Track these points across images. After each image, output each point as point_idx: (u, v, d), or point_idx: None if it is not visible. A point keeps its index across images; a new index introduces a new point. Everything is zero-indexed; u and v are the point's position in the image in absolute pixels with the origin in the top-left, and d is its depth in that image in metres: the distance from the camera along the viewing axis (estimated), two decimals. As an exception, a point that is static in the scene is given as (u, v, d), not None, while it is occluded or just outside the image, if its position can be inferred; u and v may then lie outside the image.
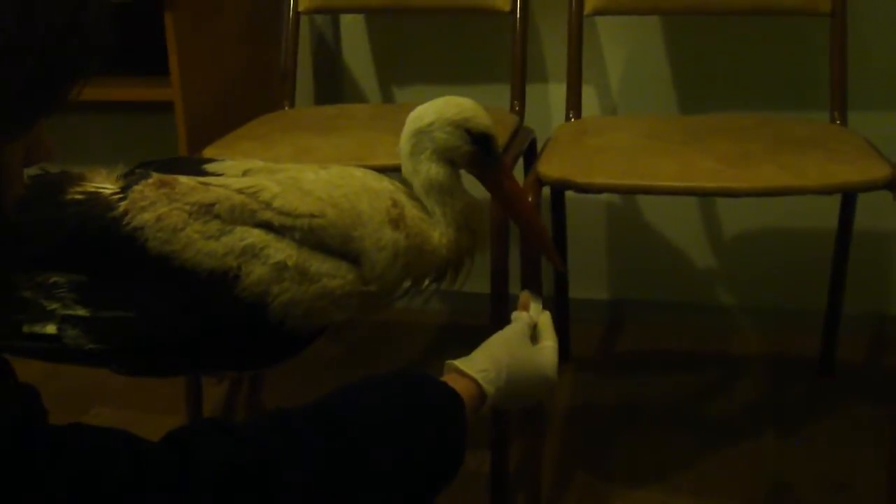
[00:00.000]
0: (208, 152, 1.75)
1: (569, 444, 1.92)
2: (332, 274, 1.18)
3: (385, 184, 1.28)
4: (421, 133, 1.27)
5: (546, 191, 1.66)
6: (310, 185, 1.23)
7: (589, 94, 2.20)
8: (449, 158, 1.28)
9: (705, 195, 2.18)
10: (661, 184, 1.57)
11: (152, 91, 2.01)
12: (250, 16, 2.22)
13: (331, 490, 0.87)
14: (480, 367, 1.09)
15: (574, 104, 1.98)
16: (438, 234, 1.28)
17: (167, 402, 2.03)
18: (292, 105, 2.12)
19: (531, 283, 1.53)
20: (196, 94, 1.96)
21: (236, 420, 2.00)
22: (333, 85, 2.40)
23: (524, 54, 2.01)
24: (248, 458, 0.84)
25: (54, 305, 1.14)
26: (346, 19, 2.36)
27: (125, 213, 1.13)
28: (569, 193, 1.95)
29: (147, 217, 1.13)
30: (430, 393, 1.02)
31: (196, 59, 1.96)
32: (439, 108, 1.27)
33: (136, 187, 1.15)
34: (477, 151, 1.28)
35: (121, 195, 1.14)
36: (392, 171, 1.35)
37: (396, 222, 1.24)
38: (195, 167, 1.27)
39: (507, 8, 2.03)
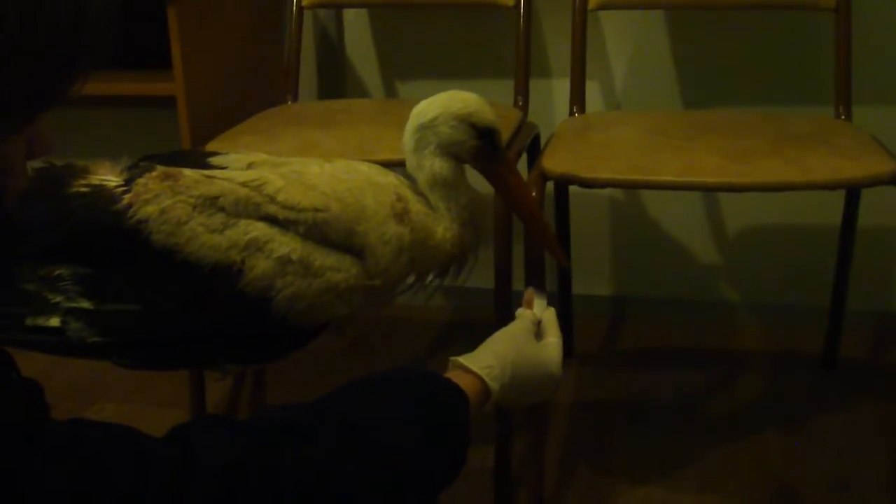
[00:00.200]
0: (211, 147, 1.75)
1: (572, 440, 1.92)
2: (336, 268, 1.18)
3: (389, 178, 1.28)
4: (425, 128, 1.27)
5: (550, 186, 1.66)
6: (314, 179, 1.23)
7: (593, 90, 2.20)
8: (453, 153, 1.28)
9: (709, 190, 2.19)
10: (665, 179, 1.56)
11: (155, 86, 2.01)
12: (253, 10, 2.22)
13: (334, 487, 0.87)
14: (485, 363, 1.09)
15: (578, 99, 1.97)
16: (442, 228, 1.28)
17: (170, 397, 2.03)
18: (295, 99, 2.12)
19: (535, 278, 1.53)
20: (199, 88, 1.96)
21: (239, 415, 2.01)
22: (337, 80, 2.40)
23: (528, 49, 2.01)
24: (252, 456, 0.84)
25: (58, 298, 1.15)
26: (350, 14, 2.36)
27: (129, 205, 1.13)
28: (572, 188, 1.94)
29: (151, 210, 1.13)
30: (434, 389, 1.01)
31: (199, 54, 1.96)
32: (444, 103, 1.27)
33: (141, 180, 1.15)
34: (481, 146, 1.28)
35: (125, 188, 1.14)
36: (396, 165, 1.35)
37: (401, 217, 1.24)
38: (199, 160, 1.27)
39: (511, 3, 2.02)
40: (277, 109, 2.02)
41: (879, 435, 1.84)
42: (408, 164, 1.31)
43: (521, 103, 1.99)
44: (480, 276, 1.40)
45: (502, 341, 1.15)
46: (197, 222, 1.13)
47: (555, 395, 1.26)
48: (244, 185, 1.18)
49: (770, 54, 2.16)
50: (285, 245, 1.16)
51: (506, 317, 1.24)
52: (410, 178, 1.31)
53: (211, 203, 1.15)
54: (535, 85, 2.05)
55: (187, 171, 1.18)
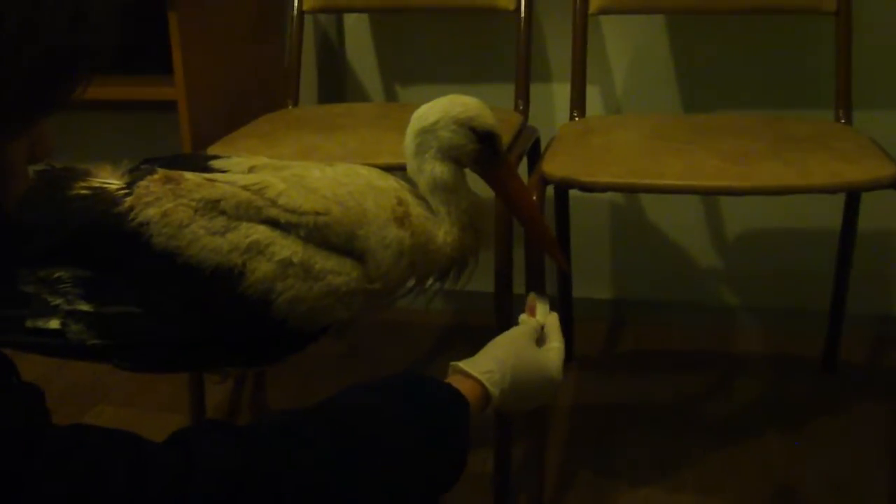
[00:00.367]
0: (212, 151, 1.75)
1: (572, 443, 1.92)
2: (336, 271, 1.18)
3: (390, 182, 1.29)
4: (426, 132, 1.28)
5: (550, 190, 1.66)
6: (315, 182, 1.23)
7: (593, 94, 2.20)
8: (454, 157, 1.28)
9: (709, 194, 2.19)
10: (666, 182, 1.56)
11: (156, 90, 2.01)
12: (254, 15, 2.22)
13: (334, 492, 0.87)
14: (485, 368, 1.09)
15: (578, 103, 1.98)
16: (443, 232, 1.28)
17: (169, 400, 2.03)
18: (296, 104, 2.12)
19: (536, 282, 1.53)
20: (200, 92, 1.96)
21: (239, 418, 2.01)
22: (337, 84, 2.41)
23: (529, 53, 2.01)
24: (252, 461, 0.84)
25: (58, 301, 1.15)
26: (350, 18, 2.36)
27: (130, 208, 1.13)
28: (573, 192, 1.95)
29: (152, 212, 1.13)
30: (434, 394, 1.02)
31: (200, 58, 1.96)
32: (444, 107, 1.28)
33: (142, 183, 1.15)
34: (482, 150, 1.29)
35: (126, 190, 1.14)
36: (396, 169, 1.35)
37: (401, 220, 1.24)
38: (201, 164, 1.27)
39: (512, 7, 2.03)
40: (278, 113, 2.03)
41: (879, 438, 1.84)
42: (408, 168, 1.31)
43: (521, 107, 1.99)
44: (481, 280, 1.40)
45: (502, 346, 1.15)
46: (198, 225, 1.13)
47: (555, 399, 1.26)
48: (245, 188, 1.18)
49: (770, 58, 2.16)
50: (286, 248, 1.16)
51: (506, 320, 1.25)
52: (411, 182, 1.31)
53: (212, 206, 1.15)
54: (535, 89, 2.06)
55: (189, 175, 1.18)
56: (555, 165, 1.63)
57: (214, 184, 1.18)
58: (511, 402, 1.12)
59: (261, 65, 2.24)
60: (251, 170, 1.26)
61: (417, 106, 1.30)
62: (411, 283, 1.30)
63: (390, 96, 2.39)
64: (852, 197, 1.93)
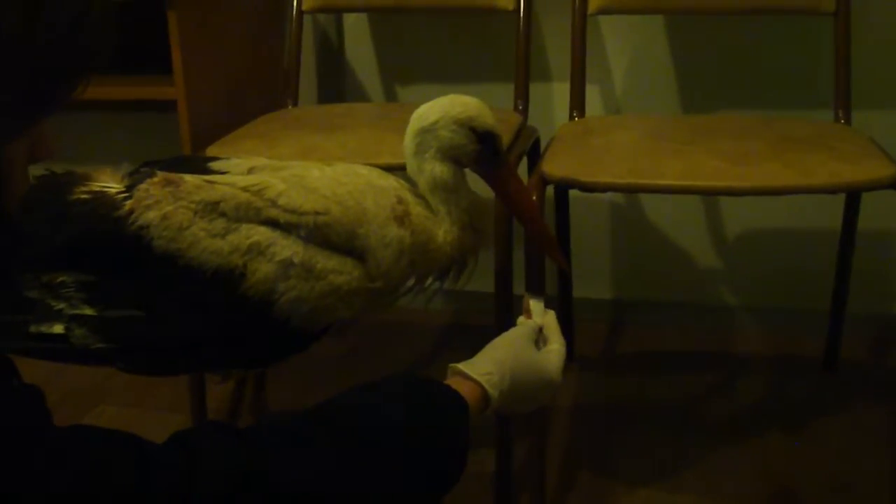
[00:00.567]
0: (212, 151, 1.75)
1: (572, 444, 1.92)
2: (338, 270, 1.18)
3: (390, 181, 1.29)
4: (425, 132, 1.28)
5: (550, 190, 1.66)
6: (315, 182, 1.23)
7: (593, 94, 2.20)
8: (454, 157, 1.28)
9: (709, 194, 2.19)
10: (666, 183, 1.56)
11: (156, 90, 2.01)
12: (254, 15, 2.22)
13: (335, 494, 0.87)
14: (484, 370, 1.09)
15: (578, 103, 1.98)
16: (443, 232, 1.29)
17: (171, 401, 2.03)
18: (295, 104, 2.12)
19: (534, 283, 1.53)
20: (199, 92, 1.96)
21: (240, 419, 2.01)
22: (337, 84, 2.40)
23: (528, 53, 2.01)
24: (253, 462, 0.84)
25: (61, 305, 1.15)
26: (350, 18, 2.36)
27: (131, 211, 1.13)
28: (572, 192, 1.95)
29: (152, 216, 1.13)
30: (433, 396, 1.02)
31: (199, 58, 1.96)
32: (444, 107, 1.28)
33: (142, 186, 1.15)
34: (481, 150, 1.29)
35: (126, 194, 1.15)
36: (396, 169, 1.35)
37: (401, 219, 1.24)
38: (200, 165, 1.27)
39: (511, 7, 2.03)
40: (278, 114, 2.03)
41: (880, 437, 1.84)
42: (408, 168, 1.31)
43: (521, 107, 1.99)
44: (481, 280, 1.40)
45: (501, 348, 1.15)
46: (198, 227, 1.14)
47: (554, 401, 1.25)
48: (245, 189, 1.18)
49: (770, 58, 2.16)
50: (287, 248, 1.16)
51: (506, 320, 1.24)
52: (411, 182, 1.31)
53: (212, 208, 1.15)
54: (535, 89, 2.06)
55: (188, 177, 1.18)
56: (554, 165, 1.63)
57: (214, 186, 1.18)
58: (510, 404, 1.11)
59: (260, 64, 2.24)
60: (250, 171, 1.26)
61: (417, 106, 1.30)
62: (411, 282, 1.30)
63: (390, 96, 2.39)
64: (852, 197, 1.93)
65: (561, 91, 2.18)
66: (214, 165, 1.28)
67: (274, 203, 1.17)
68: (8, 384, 0.76)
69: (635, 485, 1.77)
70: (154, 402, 2.06)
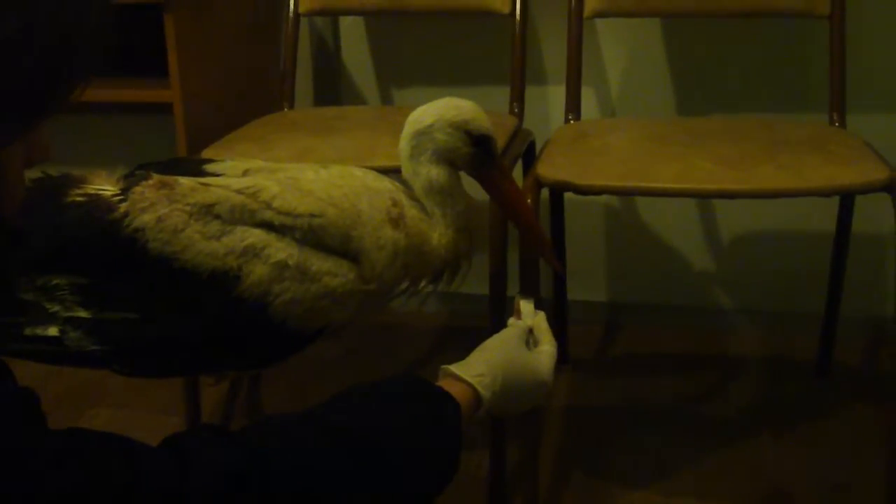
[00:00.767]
0: (208, 153, 1.75)
1: (566, 446, 1.92)
2: (332, 273, 1.19)
3: (385, 183, 1.29)
4: (421, 134, 1.28)
5: (545, 193, 1.66)
6: (310, 184, 1.23)
7: (588, 97, 2.20)
8: (449, 160, 1.28)
9: (704, 197, 2.19)
10: (660, 186, 1.57)
11: (152, 92, 2.01)
12: (250, 17, 2.23)
13: (328, 495, 0.87)
14: (476, 371, 1.09)
15: (573, 106, 1.98)
16: (438, 234, 1.29)
17: (165, 403, 2.03)
18: (291, 106, 2.13)
19: (528, 285, 1.54)
20: (195, 95, 1.96)
21: (234, 421, 2.01)
22: (333, 87, 2.41)
23: (523, 56, 2.02)
24: (247, 465, 0.84)
25: (56, 308, 1.15)
26: (346, 21, 2.36)
27: (126, 214, 1.13)
28: (567, 195, 1.95)
29: (148, 218, 1.13)
30: (426, 398, 1.02)
31: (196, 61, 1.96)
32: (439, 110, 1.28)
33: (137, 189, 1.15)
34: (476, 153, 1.29)
35: (121, 197, 1.15)
36: (392, 172, 1.35)
37: (396, 222, 1.24)
38: (195, 168, 1.27)
39: (507, 10, 2.03)
40: (273, 116, 2.03)
41: (874, 440, 1.84)
42: (404, 171, 1.31)
43: (516, 110, 2.00)
44: (476, 283, 1.41)
45: (493, 349, 1.15)
46: (193, 230, 1.14)
47: (546, 402, 1.26)
48: (240, 192, 1.18)
49: (764, 61, 2.17)
50: (282, 250, 1.16)
51: (501, 323, 1.25)
52: (406, 185, 1.31)
53: (207, 210, 1.15)
54: (530, 92, 2.06)
55: (183, 180, 1.18)
56: (549, 168, 1.64)
57: (209, 188, 1.18)
58: (502, 405, 1.12)
59: (256, 67, 2.24)
60: (246, 173, 1.26)
61: (413, 109, 1.30)
62: (405, 284, 1.30)
63: (386, 99, 2.39)
64: (846, 200, 1.93)
65: (556, 94, 2.18)
66: (210, 168, 1.28)
67: (269, 205, 1.17)
68: (2, 387, 0.76)
69: (629, 487, 1.77)
70: (149, 404, 2.06)
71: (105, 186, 1.17)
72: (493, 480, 1.70)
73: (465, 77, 2.30)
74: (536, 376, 1.16)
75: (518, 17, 2.02)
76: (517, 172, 1.71)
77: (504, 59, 2.06)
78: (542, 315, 1.25)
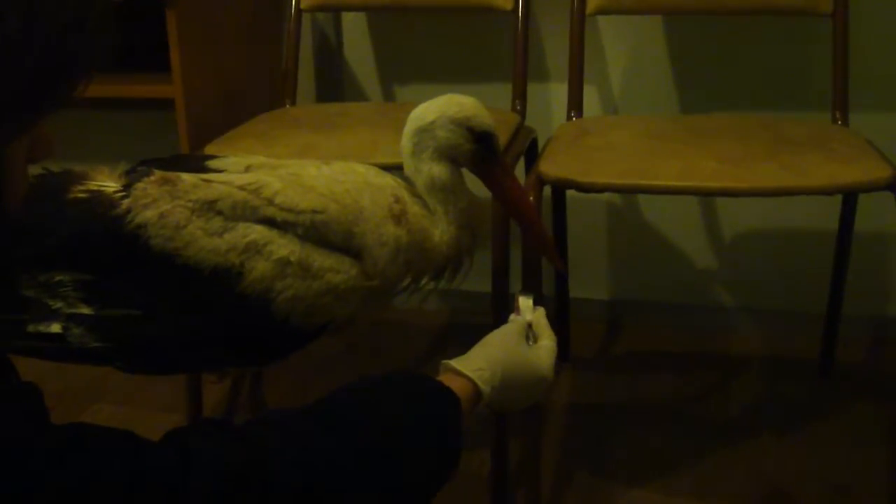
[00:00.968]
0: (209, 150, 1.75)
1: (568, 444, 1.92)
2: (335, 269, 1.19)
3: (387, 179, 1.29)
4: (423, 131, 1.28)
5: (547, 190, 1.66)
6: (312, 180, 1.23)
7: (590, 94, 2.20)
8: (451, 157, 1.28)
9: (706, 195, 2.19)
10: (663, 183, 1.57)
11: (154, 88, 2.01)
12: (252, 13, 2.22)
13: (329, 490, 0.87)
14: (476, 366, 1.10)
15: (575, 103, 1.98)
16: (440, 231, 1.29)
17: (167, 400, 2.03)
18: (293, 103, 2.12)
19: (530, 282, 1.54)
20: (197, 91, 1.96)
21: (236, 418, 2.01)
22: (335, 83, 2.41)
23: (526, 53, 2.01)
24: (248, 459, 0.84)
25: (59, 304, 1.15)
26: (348, 17, 2.36)
27: (128, 210, 1.13)
28: (569, 193, 1.95)
29: (150, 215, 1.13)
30: (426, 393, 1.02)
31: (198, 57, 1.96)
32: (441, 107, 1.28)
33: (139, 185, 1.15)
34: (478, 150, 1.29)
35: (123, 193, 1.15)
36: (394, 169, 1.35)
37: (398, 218, 1.24)
38: (197, 164, 1.27)
39: (509, 7, 2.03)
40: (276, 113, 2.03)
41: (876, 439, 1.84)
42: (406, 168, 1.31)
43: (518, 107, 1.99)
44: (478, 280, 1.41)
45: (493, 344, 1.15)
46: (195, 226, 1.14)
47: (546, 397, 1.25)
48: (242, 188, 1.18)
49: (767, 59, 2.16)
50: (284, 247, 1.16)
51: (503, 320, 1.24)
52: (409, 181, 1.31)
53: (209, 207, 1.15)
54: (532, 89, 2.06)
55: (185, 176, 1.18)
56: (552, 166, 1.64)
57: (211, 184, 1.18)
58: (502, 400, 1.12)
59: (258, 63, 2.24)
60: (248, 169, 1.26)
61: (415, 105, 1.30)
62: (407, 281, 1.30)
63: (388, 96, 2.39)
64: (849, 198, 1.93)
65: (559, 91, 2.18)
66: (212, 164, 1.28)
67: (271, 201, 1.17)
68: (6, 382, 0.76)
69: (630, 485, 1.77)
70: (150, 401, 2.06)
71: (107, 183, 1.17)
72: (495, 478, 1.70)
73: (467, 74, 2.29)
74: (536, 371, 1.16)
75: (520, 13, 2.02)
76: (519, 170, 1.71)
77: (506, 56, 2.06)
78: (541, 311, 1.25)
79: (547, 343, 1.20)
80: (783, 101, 2.17)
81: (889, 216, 1.52)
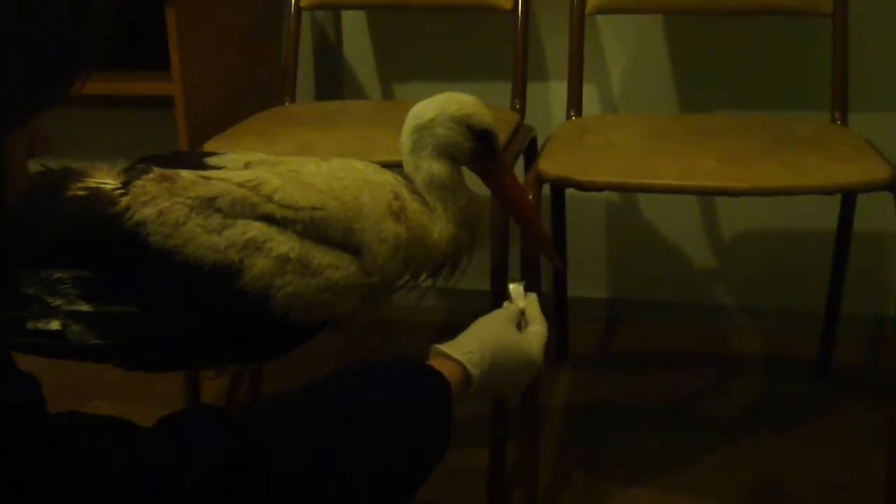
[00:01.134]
0: (209, 147, 1.75)
1: (566, 442, 1.92)
2: (334, 266, 1.19)
3: (387, 176, 1.29)
4: (422, 129, 1.28)
5: (546, 189, 1.66)
6: (311, 177, 1.23)
7: (590, 93, 2.20)
8: (450, 155, 1.28)
9: (706, 194, 2.19)
10: (662, 182, 1.57)
11: (153, 85, 2.01)
12: (252, 11, 2.22)
13: (325, 475, 0.88)
14: (465, 349, 1.10)
15: (575, 102, 1.98)
16: (439, 228, 1.29)
17: (165, 397, 2.02)
18: (293, 100, 2.12)
19: (527, 281, 1.54)
20: (197, 88, 1.96)
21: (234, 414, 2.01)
22: (334, 81, 2.40)
23: (525, 52, 2.01)
24: (244, 444, 0.84)
25: (58, 301, 1.15)
26: (348, 15, 2.36)
27: (127, 207, 1.13)
28: (569, 191, 1.95)
29: (149, 212, 1.13)
30: (416, 377, 1.03)
31: (197, 54, 1.96)
32: (441, 105, 1.28)
33: (138, 182, 1.15)
34: (478, 148, 1.29)
35: (122, 190, 1.15)
36: (394, 166, 1.35)
37: (398, 215, 1.24)
38: (196, 161, 1.27)
39: (509, 6, 2.03)
40: (275, 110, 2.03)
41: (874, 439, 1.84)
42: (405, 166, 1.31)
43: (518, 106, 1.99)
44: (476, 278, 1.41)
45: (482, 329, 1.16)
46: (195, 223, 1.14)
47: (535, 380, 1.25)
48: (241, 185, 1.18)
49: (767, 59, 2.16)
50: (283, 244, 1.16)
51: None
52: (408, 179, 1.31)
53: (208, 204, 1.15)
54: (532, 88, 2.06)
55: (184, 173, 1.18)
56: (551, 164, 1.64)
57: (210, 181, 1.18)
58: (492, 384, 1.12)
59: (258, 61, 2.24)
60: (247, 166, 1.26)
61: (414, 103, 1.30)
62: (406, 278, 1.30)
63: (387, 93, 2.39)
64: (848, 198, 1.93)
65: (558, 90, 2.18)
66: (211, 161, 1.28)
67: (270, 198, 1.17)
68: (4, 371, 0.76)
69: (628, 483, 1.77)
70: (149, 397, 2.06)
71: (106, 180, 1.17)
72: (493, 476, 1.70)
73: (466, 72, 2.30)
74: (526, 355, 1.16)
75: (520, 12, 2.02)
76: (519, 168, 1.71)
77: (506, 54, 2.06)
78: (533, 297, 1.25)
79: (538, 328, 1.21)
80: (783, 100, 2.17)
81: (888, 216, 1.52)
